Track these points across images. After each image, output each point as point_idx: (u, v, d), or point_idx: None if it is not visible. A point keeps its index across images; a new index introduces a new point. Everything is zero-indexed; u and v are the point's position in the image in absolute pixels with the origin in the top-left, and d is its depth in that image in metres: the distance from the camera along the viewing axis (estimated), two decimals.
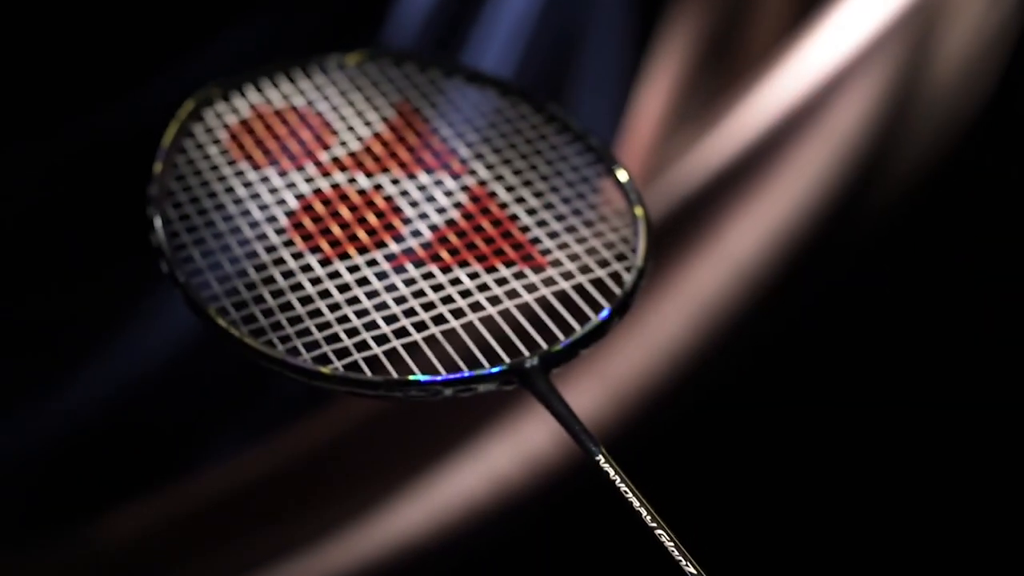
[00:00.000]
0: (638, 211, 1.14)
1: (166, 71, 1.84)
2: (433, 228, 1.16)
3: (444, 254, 1.13)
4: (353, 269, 1.12)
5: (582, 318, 1.07)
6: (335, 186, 1.19)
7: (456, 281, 1.11)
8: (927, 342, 1.74)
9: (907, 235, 1.81)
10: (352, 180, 1.20)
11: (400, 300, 1.09)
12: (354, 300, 1.10)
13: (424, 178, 1.20)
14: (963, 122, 1.85)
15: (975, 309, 1.76)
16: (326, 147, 1.22)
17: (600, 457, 0.98)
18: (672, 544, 0.95)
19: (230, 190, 1.18)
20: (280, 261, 1.13)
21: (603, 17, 2.09)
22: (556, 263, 1.13)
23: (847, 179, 1.83)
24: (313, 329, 1.06)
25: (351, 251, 1.13)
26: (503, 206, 1.18)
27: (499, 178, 1.20)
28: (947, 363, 1.72)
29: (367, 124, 1.25)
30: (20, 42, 1.88)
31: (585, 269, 1.12)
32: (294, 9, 2.00)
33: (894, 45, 1.88)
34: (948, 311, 1.76)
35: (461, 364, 1.03)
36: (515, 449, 1.66)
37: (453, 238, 1.15)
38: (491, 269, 1.12)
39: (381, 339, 1.06)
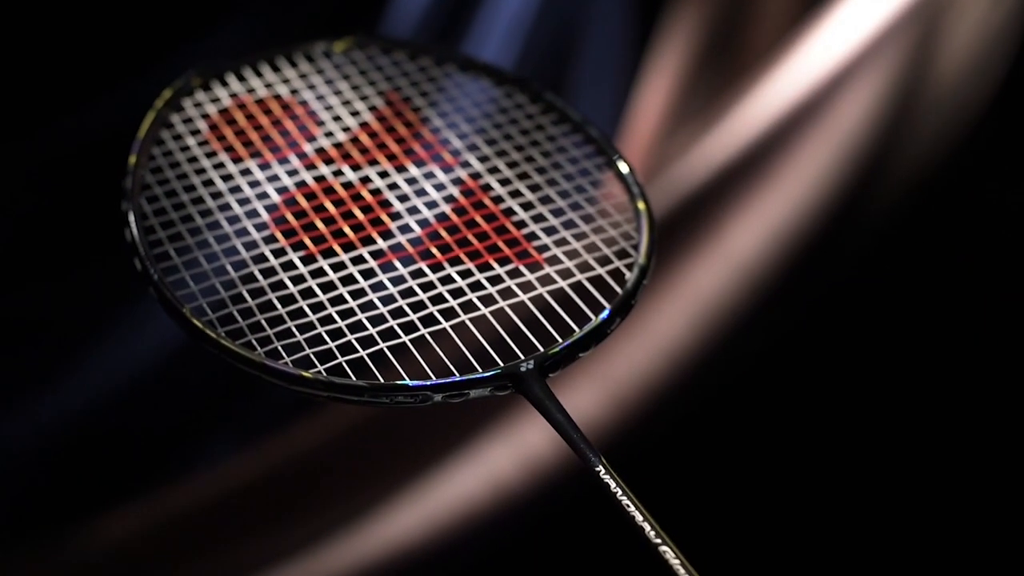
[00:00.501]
0: (640, 205, 1.10)
1: (162, 63, 1.83)
2: (423, 224, 1.12)
3: (435, 251, 1.09)
4: (338, 267, 1.08)
5: (581, 319, 1.03)
6: (320, 179, 1.15)
7: (448, 280, 1.07)
8: (932, 342, 1.74)
9: (910, 234, 1.81)
10: (338, 173, 1.16)
11: (388, 300, 1.06)
12: (339, 300, 1.06)
13: (414, 171, 1.17)
14: (967, 120, 1.85)
15: (979, 308, 1.75)
16: (311, 138, 1.19)
17: (600, 468, 0.93)
18: (677, 561, 0.91)
19: (209, 183, 1.15)
20: (261, 259, 1.09)
21: (605, 11, 2.09)
22: (554, 260, 1.09)
23: (850, 177, 1.83)
24: (295, 331, 1.03)
25: (336, 248, 1.09)
26: (498, 200, 1.14)
27: (493, 171, 1.16)
28: (952, 363, 1.72)
29: (354, 114, 1.21)
30: (5, 38, 1.86)
31: (585, 267, 1.08)
32: (291, 1, 1.98)
33: (898, 42, 1.88)
34: (952, 310, 1.76)
35: (452, 368, 0.99)
36: (515, 451, 1.65)
37: (444, 234, 1.11)
38: (485, 267, 1.08)
39: (367, 341, 1.03)
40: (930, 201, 1.82)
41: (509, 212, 1.12)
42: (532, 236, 1.11)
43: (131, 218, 1.07)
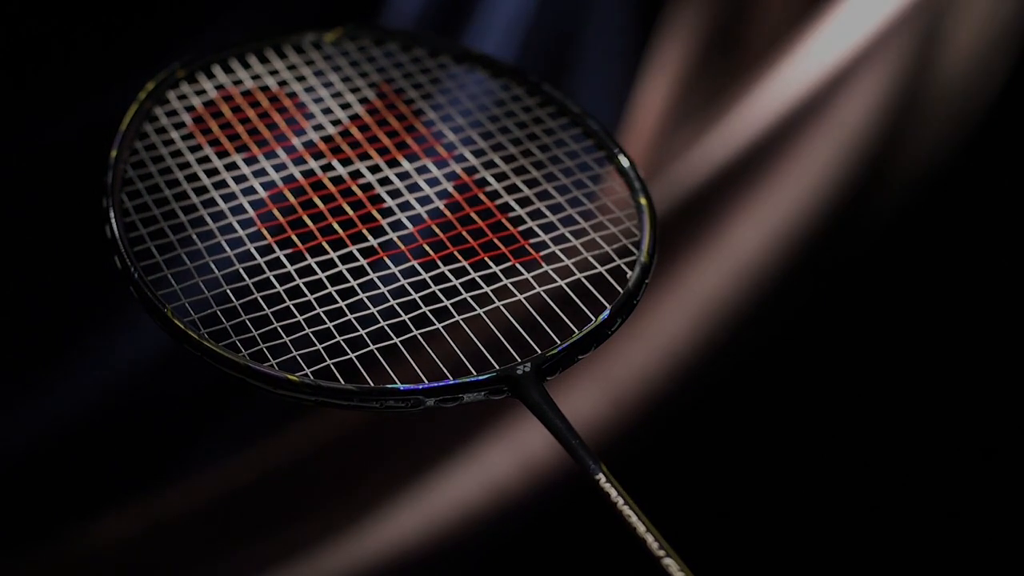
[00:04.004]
0: (643, 201, 1.08)
1: (158, 58, 1.80)
2: (416, 221, 1.10)
3: (428, 249, 1.07)
4: (327, 266, 1.06)
5: (580, 319, 1.00)
6: (309, 175, 1.13)
7: (441, 279, 1.05)
8: (935, 341, 1.73)
9: (913, 232, 1.80)
10: (328, 168, 1.14)
11: (379, 300, 1.04)
12: (328, 300, 1.04)
13: (407, 166, 1.14)
14: (971, 117, 1.85)
15: (983, 306, 1.75)
16: (300, 132, 1.17)
17: (600, 476, 0.91)
18: (682, 574, 0.87)
19: (193, 178, 1.12)
20: (247, 257, 1.07)
21: (606, 7, 2.09)
22: (552, 259, 1.07)
23: (853, 175, 1.83)
24: (282, 332, 1.00)
25: (325, 246, 1.07)
26: (494, 196, 1.11)
27: (489, 165, 1.14)
28: (954, 363, 1.71)
29: (345, 107, 1.19)
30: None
31: (584, 265, 1.06)
32: None
33: (902, 38, 1.89)
34: (955, 309, 1.75)
35: (445, 371, 0.97)
36: (514, 453, 1.64)
37: (438, 231, 1.08)
38: (480, 265, 1.06)
39: (357, 343, 1.01)
40: (933, 199, 1.81)
41: (506, 208, 1.10)
42: (529, 233, 1.08)
43: (111, 214, 1.05)
